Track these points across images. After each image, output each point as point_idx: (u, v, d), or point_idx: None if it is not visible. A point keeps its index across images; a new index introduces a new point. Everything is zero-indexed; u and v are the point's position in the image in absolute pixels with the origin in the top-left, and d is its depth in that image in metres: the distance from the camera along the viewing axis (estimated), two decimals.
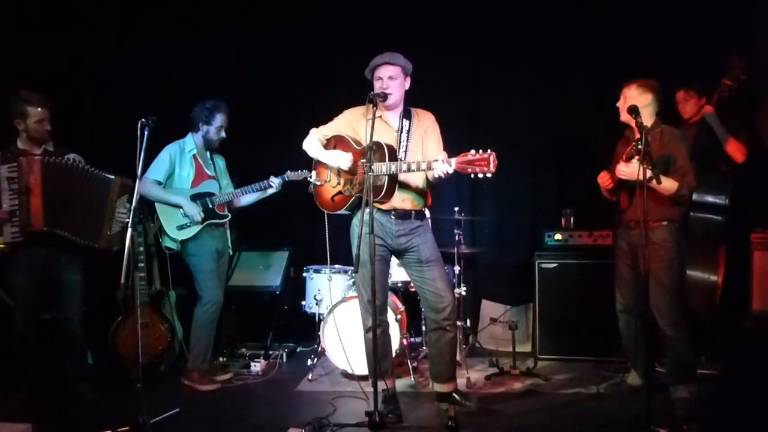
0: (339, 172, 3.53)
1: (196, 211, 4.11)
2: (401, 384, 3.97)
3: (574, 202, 4.86)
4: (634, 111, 3.22)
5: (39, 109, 3.68)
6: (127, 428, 3.15)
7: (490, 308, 5.25)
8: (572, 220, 4.79)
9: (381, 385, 3.27)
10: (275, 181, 4.29)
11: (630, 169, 3.33)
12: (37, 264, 3.71)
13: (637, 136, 3.18)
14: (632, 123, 3.28)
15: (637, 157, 3.14)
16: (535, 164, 5.22)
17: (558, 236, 4.69)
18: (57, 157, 3.73)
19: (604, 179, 3.66)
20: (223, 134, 4.26)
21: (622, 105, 3.53)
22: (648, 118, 3.47)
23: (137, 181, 3.24)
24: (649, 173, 3.06)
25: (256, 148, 5.14)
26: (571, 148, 5.05)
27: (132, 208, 3.24)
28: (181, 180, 4.19)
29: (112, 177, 3.78)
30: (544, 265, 4.61)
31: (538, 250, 4.70)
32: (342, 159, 3.45)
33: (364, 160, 3.24)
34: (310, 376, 4.26)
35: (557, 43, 4.93)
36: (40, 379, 3.76)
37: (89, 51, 4.96)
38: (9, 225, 3.63)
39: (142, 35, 5.12)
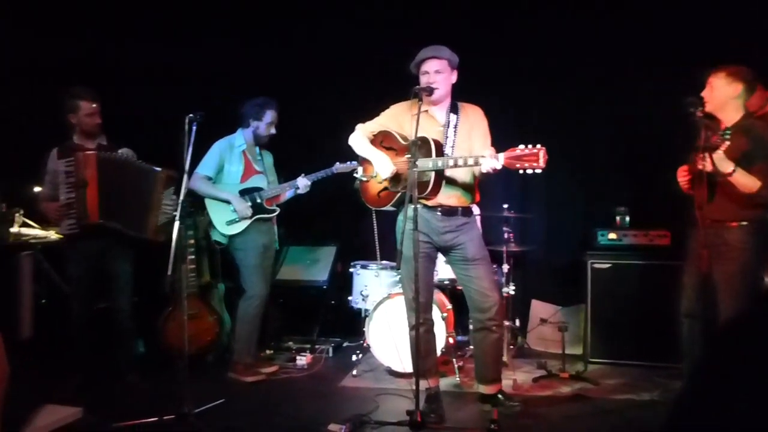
0: None
1: (244, 207, 4.15)
2: (446, 383, 3.91)
3: (630, 200, 4.67)
4: (693, 104, 3.03)
5: (89, 103, 3.82)
6: (172, 417, 3.22)
7: (539, 309, 5.12)
8: (627, 218, 4.60)
9: (423, 383, 3.22)
10: (302, 183, 4.27)
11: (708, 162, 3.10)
12: (91, 255, 3.83)
13: (723, 126, 2.99)
14: (718, 114, 3.08)
15: (721, 149, 2.94)
16: (589, 160, 5.03)
17: (612, 235, 4.52)
18: (110, 151, 3.85)
19: (682, 175, 3.44)
20: (273, 130, 4.30)
21: (709, 95, 3.24)
22: (735, 111, 3.21)
23: (185, 175, 3.29)
24: (729, 167, 2.88)
25: (304, 144, 5.16)
26: (626, 143, 4.86)
27: (179, 201, 3.30)
28: (230, 175, 4.25)
29: (158, 169, 3.87)
30: (596, 266, 4.45)
31: (591, 249, 4.54)
32: (384, 167, 3.40)
33: (408, 156, 3.19)
34: (354, 372, 4.25)
35: (611, 31, 4.73)
36: (92, 366, 3.88)
37: (131, 49, 5.08)
38: (66, 217, 3.76)
39: (185, 32, 5.20)
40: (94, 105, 3.84)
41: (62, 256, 3.99)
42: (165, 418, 3.22)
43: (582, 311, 4.70)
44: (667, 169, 3.52)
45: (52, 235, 4.35)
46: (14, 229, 4.27)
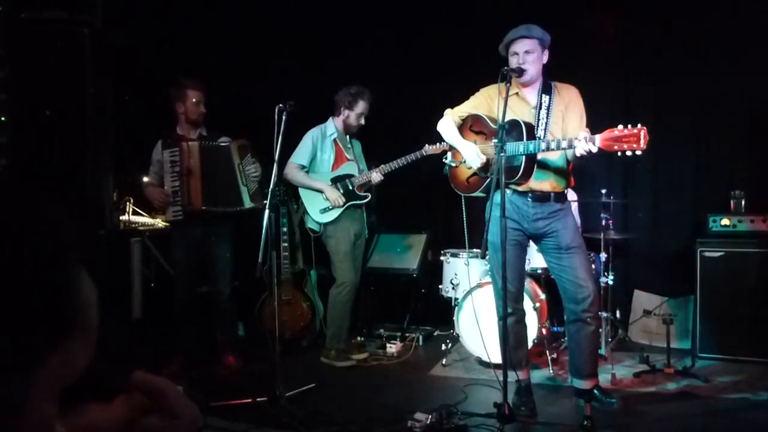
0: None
1: (337, 196, 4.20)
2: (539, 375, 3.78)
3: (746, 182, 4.28)
4: None
5: (195, 91, 4.01)
6: (265, 398, 3.32)
7: (643, 299, 4.82)
8: (743, 203, 4.22)
9: (512, 375, 3.12)
10: (375, 175, 4.26)
11: None
12: (193, 240, 4.03)
13: None
14: None
15: None
16: (700, 140, 4.64)
17: (725, 221, 4.16)
18: (212, 140, 4.03)
19: None
20: (363, 121, 4.31)
21: None
22: None
23: (274, 164, 3.37)
24: None
25: (395, 130, 5.13)
26: (742, 122, 4.44)
27: (270, 190, 3.38)
28: (322, 163, 4.31)
29: (228, 141, 4.02)
30: (707, 254, 4.12)
31: (701, 236, 4.20)
32: (473, 158, 3.30)
33: (496, 140, 3.07)
34: (444, 361, 4.21)
35: (735, 6, 4.33)
36: (195, 347, 4.09)
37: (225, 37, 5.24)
38: (171, 205, 3.98)
39: (286, 26, 5.31)
40: (200, 93, 4.02)
41: (168, 241, 4.23)
42: (258, 399, 3.33)
43: (690, 303, 4.37)
44: None
45: (159, 222, 4.61)
46: (124, 217, 4.56)
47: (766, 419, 3.14)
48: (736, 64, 4.38)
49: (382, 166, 4.30)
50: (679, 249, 4.53)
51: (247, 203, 4.02)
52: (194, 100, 4.02)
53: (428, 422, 2.94)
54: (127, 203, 4.63)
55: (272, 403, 3.28)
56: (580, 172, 3.45)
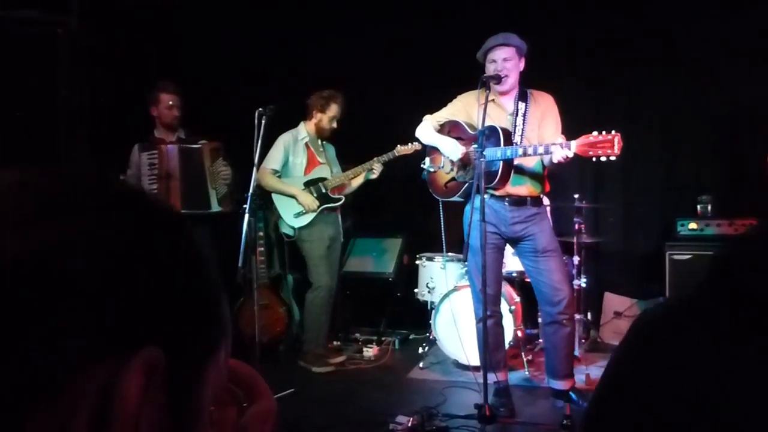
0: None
1: (310, 201, 4.20)
2: (515, 377, 3.84)
3: (713, 187, 4.43)
4: None
5: (168, 95, 3.96)
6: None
7: (614, 301, 4.93)
8: (710, 208, 4.36)
9: (492, 377, 3.17)
10: (378, 167, 4.27)
11: None
12: None
13: None
14: None
15: None
16: (668, 146, 4.79)
17: (693, 225, 4.30)
18: (190, 143, 3.99)
19: None
20: (335, 124, 4.32)
21: None
22: None
23: (254, 169, 3.36)
24: None
25: (370, 134, 5.14)
26: (709, 130, 4.59)
27: (249, 194, 3.37)
28: (294, 168, 4.31)
29: (198, 145, 3.97)
30: (676, 257, 4.24)
31: (670, 240, 4.33)
32: (453, 150, 3.35)
33: (476, 146, 3.13)
34: (421, 364, 4.24)
35: (693, 12, 4.48)
36: None
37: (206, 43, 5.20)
38: None
39: (263, 26, 5.29)
40: (174, 97, 3.97)
41: None
42: None
43: None
44: (755, 155, 3.30)
45: None
46: None
47: None
48: (703, 74, 4.53)
49: (350, 170, 4.32)
50: (649, 252, 4.66)
51: (215, 206, 3.96)
52: (170, 103, 3.96)
53: (410, 425, 2.97)
54: None
55: None
56: (554, 176, 3.52)
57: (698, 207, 4.39)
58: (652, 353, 0.61)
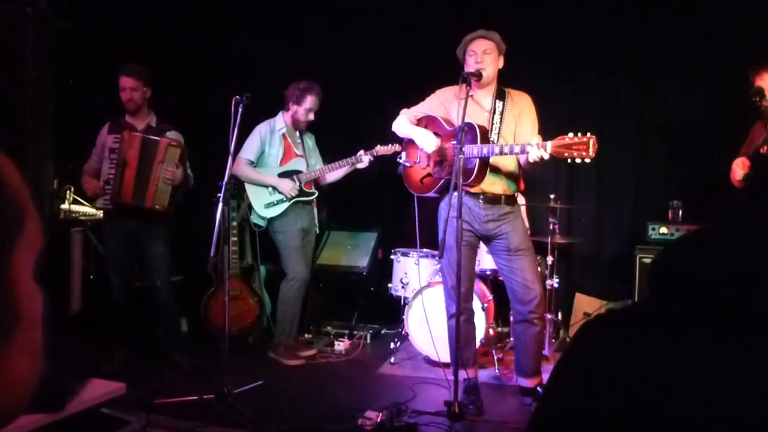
0: (429, 154, 3.42)
1: (291, 187, 4.15)
2: (485, 375, 3.85)
3: (684, 193, 4.49)
4: (758, 94, 2.89)
5: (127, 77, 3.81)
6: (212, 396, 3.26)
7: (584, 302, 4.98)
8: (680, 212, 4.42)
9: (462, 374, 3.18)
10: (365, 158, 4.22)
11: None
12: (124, 233, 3.87)
13: None
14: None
15: None
16: (641, 151, 4.84)
17: (663, 229, 4.35)
18: (158, 133, 3.87)
19: (742, 167, 3.26)
20: (312, 117, 4.26)
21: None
22: None
23: (229, 158, 3.30)
24: None
25: (348, 128, 5.12)
26: (681, 134, 4.65)
27: (223, 183, 3.31)
28: (270, 158, 4.26)
29: (158, 139, 3.81)
30: (646, 260, 4.30)
31: (640, 243, 4.38)
32: (429, 142, 3.34)
33: (454, 142, 3.12)
34: (392, 360, 4.23)
35: (666, 22, 4.53)
36: (136, 343, 3.96)
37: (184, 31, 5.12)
38: (103, 194, 3.81)
39: (239, 20, 5.22)
40: (130, 80, 3.80)
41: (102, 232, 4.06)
42: (205, 396, 3.26)
43: None
44: (726, 161, 3.36)
45: (100, 213, 4.44)
46: (65, 206, 4.38)
47: None
48: (675, 81, 4.59)
49: (327, 165, 4.29)
50: (619, 255, 4.71)
51: (147, 202, 3.76)
52: (129, 86, 3.81)
53: (379, 420, 2.96)
54: (68, 191, 4.44)
55: (220, 400, 3.22)
56: (529, 176, 3.53)
57: (669, 211, 4.45)
58: (580, 356, 0.70)
